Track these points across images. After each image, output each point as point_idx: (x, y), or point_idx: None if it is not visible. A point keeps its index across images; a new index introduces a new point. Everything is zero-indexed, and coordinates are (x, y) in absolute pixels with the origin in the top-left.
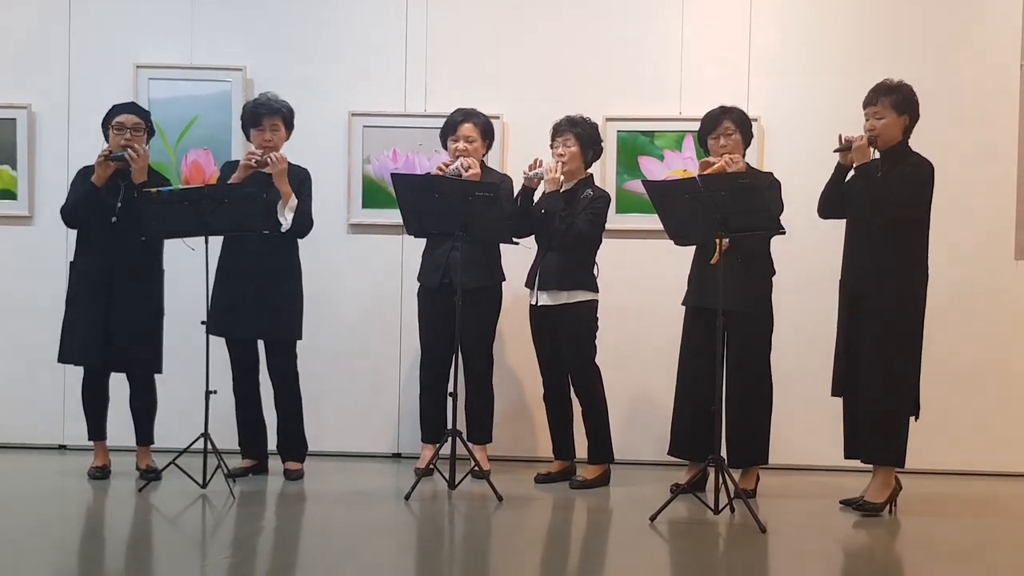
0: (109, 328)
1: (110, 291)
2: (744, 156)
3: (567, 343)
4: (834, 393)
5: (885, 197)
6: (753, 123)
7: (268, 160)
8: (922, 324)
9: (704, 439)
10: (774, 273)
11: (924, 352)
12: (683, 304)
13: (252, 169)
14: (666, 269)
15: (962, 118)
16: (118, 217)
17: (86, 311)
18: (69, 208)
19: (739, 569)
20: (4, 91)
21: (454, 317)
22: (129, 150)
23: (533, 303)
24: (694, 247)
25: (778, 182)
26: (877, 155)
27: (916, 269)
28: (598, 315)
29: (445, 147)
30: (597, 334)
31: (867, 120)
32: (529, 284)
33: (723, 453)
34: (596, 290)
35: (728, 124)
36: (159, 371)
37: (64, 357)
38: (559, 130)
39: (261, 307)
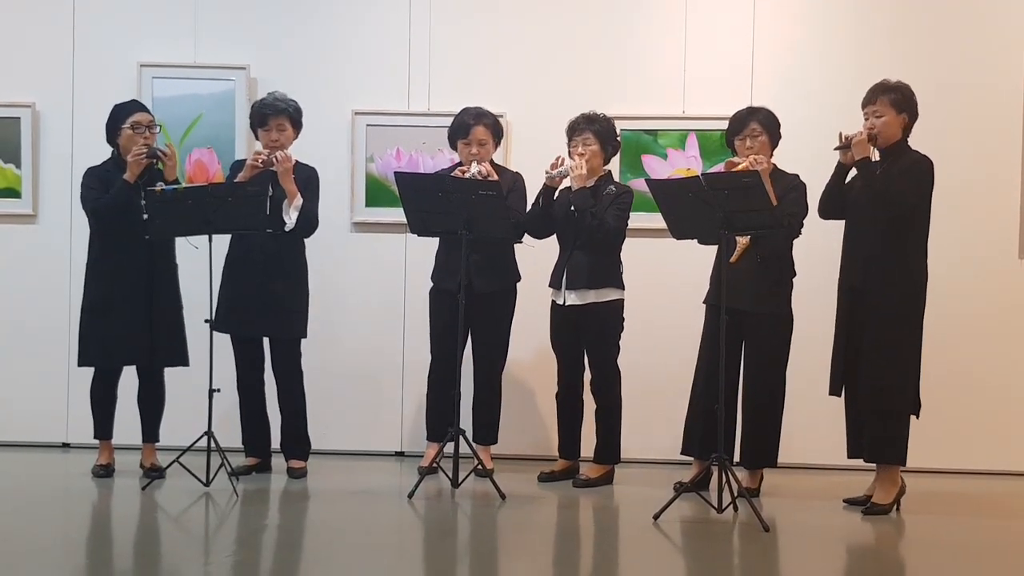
0: (151, 324)
1: (150, 287)
2: (771, 157)
3: (592, 342)
4: (832, 392)
5: (887, 191)
6: None
7: (273, 159)
8: (921, 322)
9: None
10: (795, 274)
11: (928, 351)
12: (704, 303)
13: (258, 170)
14: (669, 268)
15: (966, 117)
16: (148, 213)
17: (129, 310)
18: (107, 208)
19: (743, 568)
20: (8, 90)
21: (470, 319)
22: (162, 148)
23: (560, 303)
24: (715, 246)
25: (803, 184)
26: (877, 154)
27: (915, 267)
28: (624, 314)
29: (454, 147)
30: (621, 334)
31: (866, 119)
32: (554, 284)
33: (735, 453)
34: (623, 288)
35: (755, 125)
36: (188, 364)
37: (93, 360)
38: (577, 129)
39: (267, 305)
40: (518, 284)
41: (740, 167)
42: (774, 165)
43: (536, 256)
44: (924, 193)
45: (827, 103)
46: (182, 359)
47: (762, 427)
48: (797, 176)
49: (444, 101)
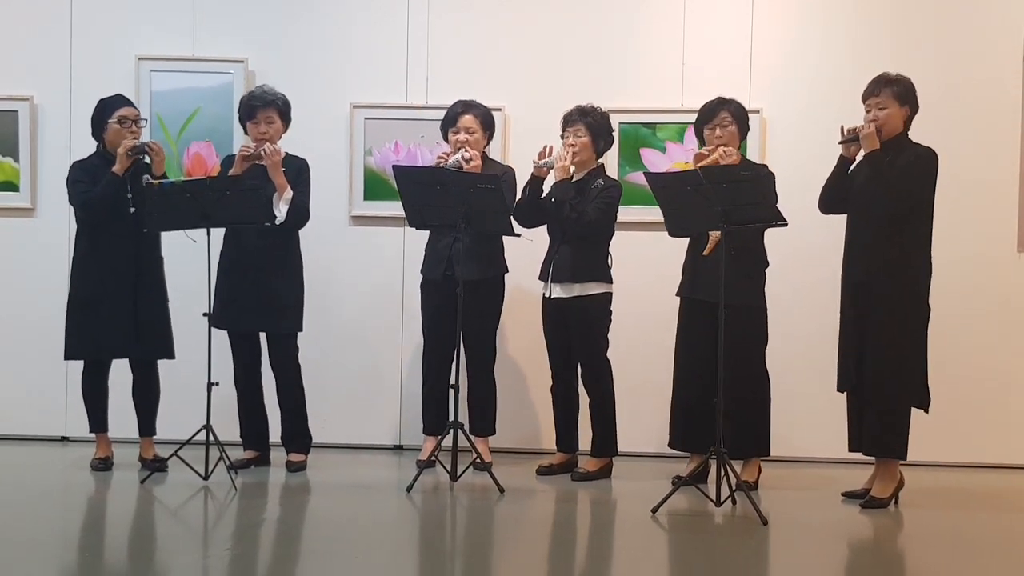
0: (136, 317)
1: (136, 280)
2: (739, 148)
3: (580, 335)
4: (840, 388)
5: (892, 186)
6: (755, 116)
7: (262, 152)
8: (927, 316)
9: (702, 431)
10: (767, 265)
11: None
12: (677, 295)
13: (248, 161)
14: (668, 261)
15: (965, 110)
16: (135, 207)
17: (115, 302)
18: (96, 202)
19: (741, 561)
20: (6, 83)
21: (456, 309)
22: (150, 143)
23: (546, 295)
24: (687, 238)
25: (772, 174)
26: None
27: (919, 260)
28: (611, 308)
29: (446, 139)
30: (609, 327)
31: (868, 111)
32: (543, 277)
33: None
34: (610, 281)
35: (725, 115)
36: (174, 356)
37: (79, 353)
38: (570, 120)
39: (261, 300)
40: (506, 276)
41: (709, 159)
42: (743, 156)
43: (530, 248)
44: (929, 187)
45: (826, 96)
46: (167, 352)
47: (745, 416)
48: (766, 166)
49: (442, 95)
